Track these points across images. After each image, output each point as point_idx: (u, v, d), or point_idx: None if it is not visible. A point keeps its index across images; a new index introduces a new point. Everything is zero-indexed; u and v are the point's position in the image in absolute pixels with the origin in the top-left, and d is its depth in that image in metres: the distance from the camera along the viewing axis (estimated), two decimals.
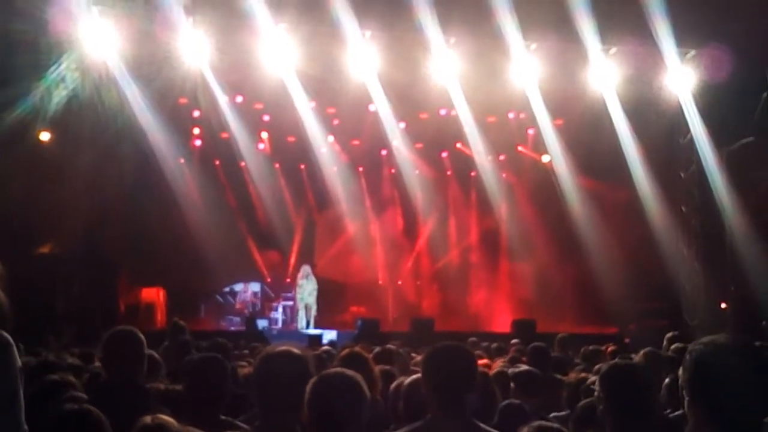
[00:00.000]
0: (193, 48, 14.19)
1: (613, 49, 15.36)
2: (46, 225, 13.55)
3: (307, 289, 16.72)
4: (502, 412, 4.14)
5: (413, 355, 7.35)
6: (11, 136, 12.50)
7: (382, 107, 16.27)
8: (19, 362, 2.65)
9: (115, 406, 3.18)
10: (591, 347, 7.78)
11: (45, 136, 13.94)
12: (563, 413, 4.50)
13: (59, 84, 13.32)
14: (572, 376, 5.81)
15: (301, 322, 16.60)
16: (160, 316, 15.81)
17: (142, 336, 3.89)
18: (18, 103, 12.79)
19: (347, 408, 2.71)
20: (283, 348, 2.96)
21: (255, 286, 18.20)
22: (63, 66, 13.31)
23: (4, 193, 12.07)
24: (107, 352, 3.86)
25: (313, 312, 16.67)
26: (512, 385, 5.15)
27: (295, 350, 2.95)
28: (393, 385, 4.25)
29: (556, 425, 2.76)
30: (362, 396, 2.73)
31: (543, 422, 2.87)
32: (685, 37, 15.00)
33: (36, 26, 12.65)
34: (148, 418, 2.91)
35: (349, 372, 2.87)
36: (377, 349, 6.44)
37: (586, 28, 14.45)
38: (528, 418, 3.86)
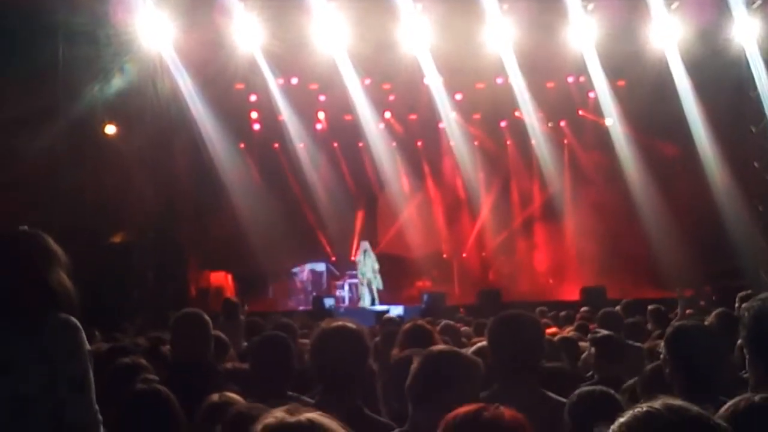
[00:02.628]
0: (246, 33, 14.29)
1: (676, 4, 14.84)
2: (116, 215, 13.94)
3: (367, 265, 16.79)
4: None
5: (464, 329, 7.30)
6: (77, 129, 12.86)
7: (437, 80, 16.16)
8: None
9: (184, 386, 3.26)
10: (653, 307, 7.64)
11: (110, 129, 14.29)
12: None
13: (119, 76, 13.62)
14: (648, 343, 5.66)
15: (364, 299, 16.69)
16: None
17: (207, 317, 3.97)
18: (81, 96, 13.14)
19: (452, 383, 2.69)
20: (338, 324, 2.97)
21: (320, 266, 18.37)
22: (122, 58, 13.60)
23: (73, 185, 12.46)
24: (175, 333, 3.97)
25: (375, 287, 16.71)
26: (593, 350, 5.00)
27: (350, 325, 2.96)
28: None
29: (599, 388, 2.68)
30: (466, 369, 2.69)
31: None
32: None
33: (95, 19, 12.94)
34: (215, 396, 2.98)
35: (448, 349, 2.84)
36: (442, 323, 6.45)
37: None
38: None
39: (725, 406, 1.82)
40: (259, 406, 2.61)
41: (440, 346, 2.95)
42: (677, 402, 1.46)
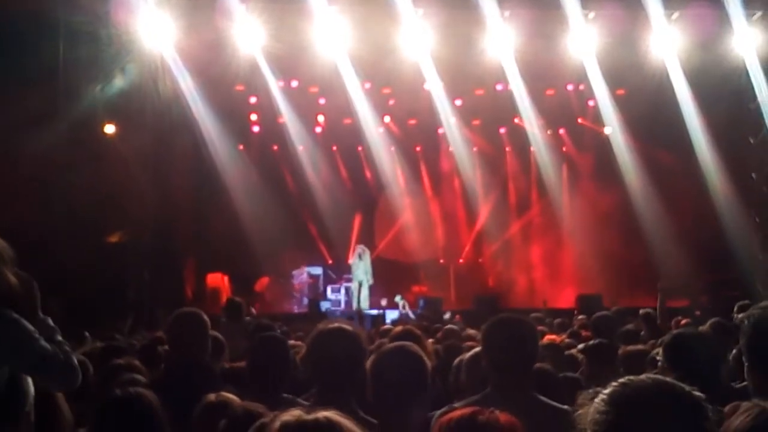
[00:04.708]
0: (248, 34, 14.30)
1: (676, 14, 14.88)
2: (113, 215, 13.92)
3: (360, 268, 16.78)
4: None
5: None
6: (77, 129, 12.85)
7: (437, 85, 16.19)
8: (27, 324, 2.76)
9: (181, 385, 3.26)
10: (645, 312, 7.71)
11: (110, 128, 14.29)
12: None
13: (120, 76, 13.63)
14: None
15: (354, 302, 16.67)
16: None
17: (206, 317, 3.98)
18: (81, 96, 13.14)
19: (407, 380, 2.73)
20: (335, 325, 2.98)
21: (316, 269, 18.37)
22: (123, 58, 13.61)
23: (72, 184, 12.45)
24: (173, 333, 3.97)
25: (365, 291, 16.66)
26: (582, 358, 5.05)
27: (347, 327, 2.97)
28: (456, 360, 4.24)
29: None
30: (424, 368, 2.75)
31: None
32: None
33: (96, 19, 12.96)
34: (212, 396, 2.98)
35: (410, 345, 2.89)
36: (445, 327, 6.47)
37: None
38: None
39: (738, 414, 1.83)
40: (260, 405, 2.60)
41: (326, 324, 3.01)
42: (656, 376, 1.55)
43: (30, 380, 2.76)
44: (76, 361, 2.89)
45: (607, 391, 1.51)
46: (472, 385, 3.40)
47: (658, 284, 8.74)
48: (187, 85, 15.07)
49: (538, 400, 2.93)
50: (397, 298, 15.89)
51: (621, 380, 1.52)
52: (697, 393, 1.49)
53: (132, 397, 2.87)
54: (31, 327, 2.76)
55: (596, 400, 1.51)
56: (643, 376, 1.51)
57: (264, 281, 17.26)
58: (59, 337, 2.89)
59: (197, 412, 2.90)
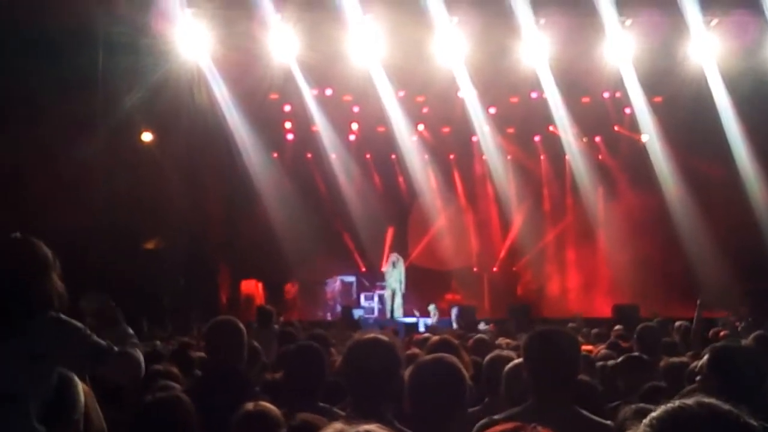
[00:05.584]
0: (282, 44, 14.41)
1: (714, 21, 14.67)
2: (150, 222, 14.10)
3: (393, 276, 16.74)
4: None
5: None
6: (115, 137, 13.06)
7: (471, 93, 16.15)
8: (76, 323, 2.85)
9: (216, 393, 3.27)
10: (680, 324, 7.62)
11: (147, 136, 14.49)
12: None
13: (157, 85, 13.82)
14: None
15: (387, 310, 16.62)
16: None
17: (241, 325, 3.99)
18: (120, 105, 13.35)
19: (446, 392, 2.70)
20: (371, 336, 2.96)
21: (349, 277, 18.35)
22: (160, 67, 13.80)
23: (110, 191, 12.64)
24: (209, 340, 3.99)
25: (398, 299, 16.60)
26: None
27: (383, 337, 2.95)
28: (488, 358, 4.20)
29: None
30: (461, 380, 2.72)
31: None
32: None
33: (135, 29, 13.17)
34: (250, 405, 2.97)
35: (448, 357, 2.86)
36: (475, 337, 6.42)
37: None
38: None
39: None
40: (319, 417, 2.59)
41: (362, 334, 3.02)
42: (709, 399, 1.46)
43: (80, 388, 2.80)
44: (137, 353, 3.03)
45: (655, 414, 1.45)
46: (511, 398, 3.35)
47: (699, 298, 8.59)
48: (222, 94, 15.26)
49: (579, 414, 2.88)
50: (431, 307, 15.82)
51: (672, 404, 1.45)
52: (755, 423, 1.42)
53: (168, 401, 2.89)
54: (80, 325, 2.84)
55: (644, 422, 1.46)
56: (694, 400, 1.45)
57: (291, 287, 17.27)
58: (134, 340, 3.08)
59: (236, 421, 2.90)
